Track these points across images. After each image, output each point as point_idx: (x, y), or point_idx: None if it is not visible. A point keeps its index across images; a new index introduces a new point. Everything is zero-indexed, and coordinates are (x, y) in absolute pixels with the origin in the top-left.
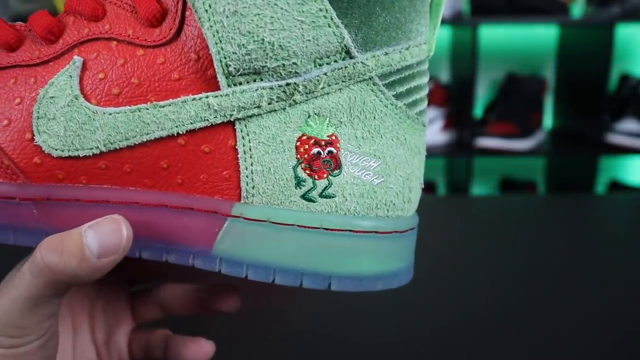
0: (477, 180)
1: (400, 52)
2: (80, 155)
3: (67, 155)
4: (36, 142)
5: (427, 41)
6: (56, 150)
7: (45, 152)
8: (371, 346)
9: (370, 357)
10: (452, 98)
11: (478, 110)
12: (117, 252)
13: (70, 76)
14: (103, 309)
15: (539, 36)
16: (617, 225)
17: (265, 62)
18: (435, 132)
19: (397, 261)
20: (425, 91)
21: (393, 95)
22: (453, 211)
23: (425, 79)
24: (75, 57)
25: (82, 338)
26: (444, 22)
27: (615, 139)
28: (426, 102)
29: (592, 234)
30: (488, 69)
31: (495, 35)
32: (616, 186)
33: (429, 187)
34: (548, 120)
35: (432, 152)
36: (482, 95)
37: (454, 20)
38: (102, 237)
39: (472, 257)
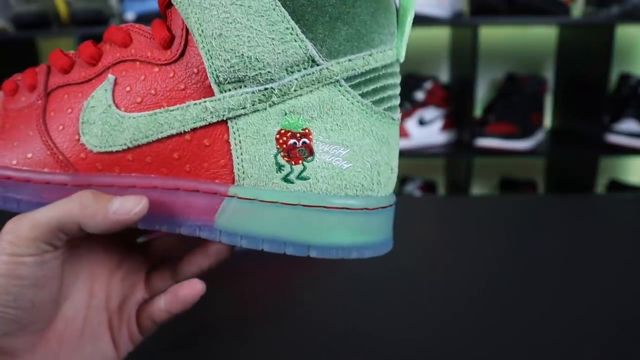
0: (477, 180)
1: (363, 58)
2: (113, 151)
3: (103, 150)
4: (81, 141)
5: (393, 48)
6: (95, 147)
7: (88, 149)
8: (372, 342)
9: (372, 353)
10: (452, 98)
11: (478, 110)
12: (127, 214)
13: (106, 90)
14: (120, 280)
15: (539, 36)
16: (617, 225)
17: (246, 72)
18: (435, 132)
19: (369, 235)
20: (394, 90)
21: (360, 94)
22: (453, 211)
23: (393, 80)
24: (109, 75)
25: (97, 303)
26: (444, 22)
27: (615, 139)
28: (397, 100)
29: (592, 234)
30: (488, 69)
31: (495, 35)
32: (616, 186)
33: (429, 187)
34: (548, 120)
35: (432, 152)
36: (482, 95)
37: (454, 20)
38: (125, 201)
39: (472, 257)
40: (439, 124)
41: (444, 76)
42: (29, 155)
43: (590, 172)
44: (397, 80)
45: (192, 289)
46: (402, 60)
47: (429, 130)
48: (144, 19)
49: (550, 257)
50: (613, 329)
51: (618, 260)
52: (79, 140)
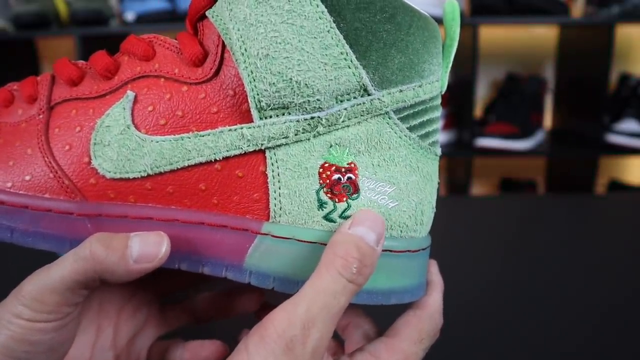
0: (477, 180)
1: (413, 89)
2: (130, 177)
3: (118, 177)
4: (92, 165)
5: (439, 79)
6: (109, 172)
7: (100, 174)
8: None
9: None
10: (452, 98)
11: (478, 110)
12: (152, 262)
13: (124, 108)
14: (131, 315)
15: (539, 36)
16: (617, 225)
17: (293, 99)
18: None
19: (409, 278)
20: (438, 124)
21: (407, 128)
22: (453, 211)
23: (437, 113)
24: (129, 91)
25: (103, 340)
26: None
27: (615, 139)
28: (439, 134)
29: (592, 234)
30: (488, 69)
31: (495, 35)
32: (616, 186)
33: None
34: (548, 120)
35: None
36: (482, 95)
37: None
38: (144, 245)
39: (472, 257)
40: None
41: None
42: (27, 178)
43: (590, 172)
44: (440, 113)
45: (215, 352)
46: (444, 92)
47: None
48: (144, 19)
49: (550, 257)
50: (612, 328)
51: (618, 260)
52: (89, 163)
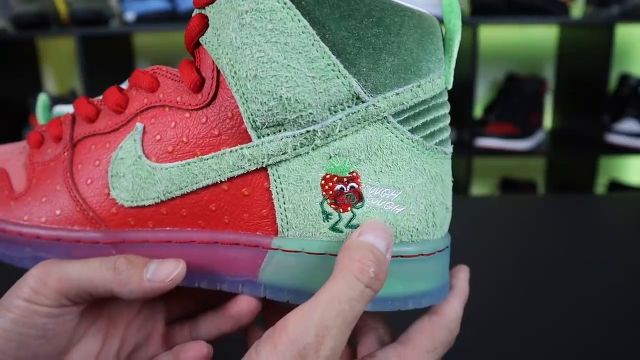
0: (477, 180)
1: (411, 90)
2: (146, 205)
3: (135, 205)
4: (112, 196)
5: (441, 75)
6: (127, 201)
7: (119, 203)
8: None
9: None
10: (451, 98)
11: (478, 110)
12: (163, 281)
13: (135, 140)
14: (137, 329)
15: (539, 36)
16: (617, 225)
17: (285, 115)
18: None
19: (426, 282)
20: (445, 121)
21: (409, 130)
22: (453, 211)
23: (443, 111)
24: (137, 123)
25: (108, 350)
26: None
27: (615, 139)
28: (447, 132)
29: (592, 234)
30: (488, 69)
31: (495, 35)
32: (616, 186)
33: None
34: (548, 120)
35: None
36: (481, 95)
37: None
38: (160, 266)
39: (472, 257)
40: None
41: None
42: (58, 212)
43: (590, 172)
44: (447, 109)
45: (196, 351)
46: (450, 87)
47: None
48: (144, 19)
49: (550, 257)
50: (613, 328)
51: (618, 260)
52: (109, 194)
